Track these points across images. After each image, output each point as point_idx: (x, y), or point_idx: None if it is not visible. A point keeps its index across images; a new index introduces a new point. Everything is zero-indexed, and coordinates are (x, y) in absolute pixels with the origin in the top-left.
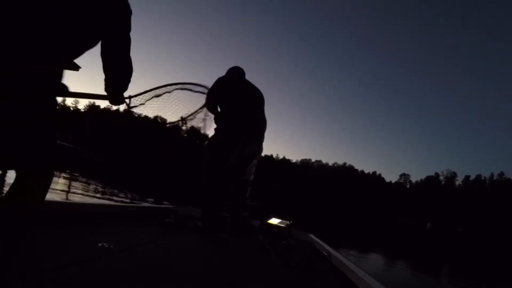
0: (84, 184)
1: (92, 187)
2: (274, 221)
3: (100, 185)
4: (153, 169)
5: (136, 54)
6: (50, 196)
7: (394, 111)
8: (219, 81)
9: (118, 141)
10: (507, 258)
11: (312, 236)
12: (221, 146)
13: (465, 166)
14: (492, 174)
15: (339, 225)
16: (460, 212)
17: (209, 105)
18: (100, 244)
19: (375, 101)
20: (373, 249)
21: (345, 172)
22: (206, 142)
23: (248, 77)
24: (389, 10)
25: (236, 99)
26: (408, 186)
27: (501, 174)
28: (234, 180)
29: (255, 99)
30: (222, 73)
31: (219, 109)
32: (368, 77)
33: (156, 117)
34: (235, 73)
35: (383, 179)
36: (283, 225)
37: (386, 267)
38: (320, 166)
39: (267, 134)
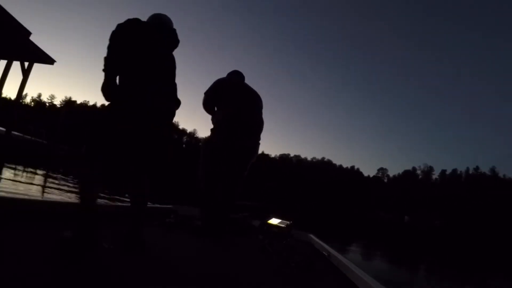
0: (56, 180)
1: (64, 183)
2: (274, 221)
3: (73, 181)
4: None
5: None
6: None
7: (372, 106)
8: (219, 82)
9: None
10: (482, 249)
11: (312, 236)
12: (217, 147)
13: (442, 161)
14: (467, 169)
15: (316, 220)
16: (436, 205)
17: (206, 105)
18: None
19: (353, 96)
20: (353, 241)
21: (323, 166)
22: (200, 144)
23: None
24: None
25: (235, 101)
26: (385, 180)
27: (477, 168)
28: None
29: (253, 101)
30: (216, 74)
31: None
32: (345, 72)
33: None
34: (236, 77)
35: (361, 173)
36: (283, 225)
37: (365, 260)
38: (298, 161)
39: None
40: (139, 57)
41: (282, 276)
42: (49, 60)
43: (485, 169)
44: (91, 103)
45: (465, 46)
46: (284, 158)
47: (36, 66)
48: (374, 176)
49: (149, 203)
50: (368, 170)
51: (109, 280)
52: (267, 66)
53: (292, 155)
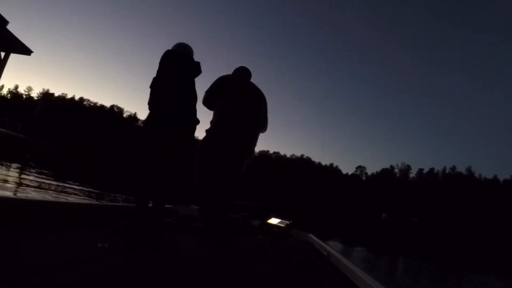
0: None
1: (44, 180)
2: (274, 221)
3: (52, 178)
4: (112, 160)
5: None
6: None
7: (351, 105)
8: (220, 80)
9: (73, 131)
10: (458, 245)
11: (312, 236)
12: (212, 146)
13: (419, 160)
14: (444, 168)
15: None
16: (414, 203)
17: (206, 103)
18: (99, 244)
19: (332, 94)
20: (331, 237)
21: (303, 164)
22: (198, 145)
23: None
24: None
25: (229, 98)
26: (364, 178)
27: (453, 168)
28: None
29: (252, 99)
30: (219, 71)
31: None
32: (325, 70)
33: (112, 106)
34: (239, 74)
35: (339, 171)
36: (283, 225)
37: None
38: (278, 158)
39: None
40: (167, 83)
41: (282, 276)
42: (26, 51)
43: (461, 168)
44: (69, 96)
45: (445, 46)
46: (263, 154)
47: (13, 57)
48: (352, 174)
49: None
50: (347, 168)
51: (109, 280)
52: (244, 60)
53: (271, 151)
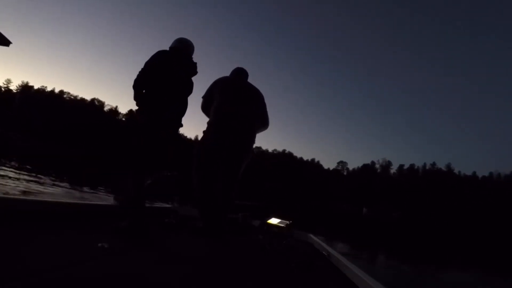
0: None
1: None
2: (274, 221)
3: (32, 174)
4: (92, 156)
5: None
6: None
7: (332, 100)
8: (214, 83)
9: (52, 124)
10: (437, 239)
11: (312, 236)
12: (209, 147)
13: (400, 156)
14: (424, 164)
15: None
16: (394, 198)
17: (204, 109)
18: (100, 244)
19: (314, 89)
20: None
21: (284, 158)
22: (196, 146)
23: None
24: None
25: (224, 98)
26: (345, 173)
27: (433, 164)
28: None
29: (247, 99)
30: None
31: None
32: (306, 65)
33: (93, 100)
34: (235, 74)
35: (321, 166)
36: (283, 225)
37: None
38: (260, 153)
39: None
40: (163, 80)
41: (282, 276)
42: (4, 41)
43: (441, 165)
44: (49, 89)
45: (430, 42)
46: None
47: None
48: (334, 169)
49: (147, 202)
50: (328, 163)
51: (109, 280)
52: (225, 52)
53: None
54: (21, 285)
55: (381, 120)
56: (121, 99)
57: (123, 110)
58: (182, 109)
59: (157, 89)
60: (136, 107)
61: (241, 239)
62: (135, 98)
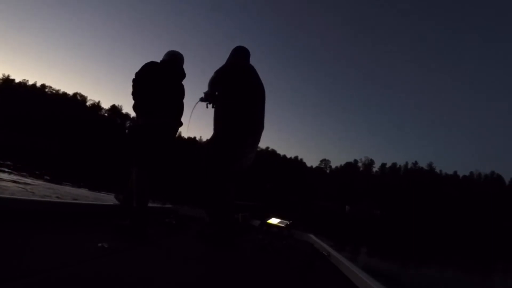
0: None
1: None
2: (274, 221)
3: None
4: (71, 149)
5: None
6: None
7: (316, 98)
8: (235, 68)
9: (33, 118)
10: (418, 236)
11: (312, 236)
12: (231, 148)
13: (382, 155)
14: (406, 163)
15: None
16: (377, 196)
17: (215, 83)
18: (100, 244)
19: (297, 87)
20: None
21: (267, 156)
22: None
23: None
24: None
25: (252, 99)
26: (328, 171)
27: (415, 163)
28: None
29: (261, 96)
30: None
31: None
32: (288, 62)
33: (75, 94)
34: (245, 59)
35: (304, 164)
36: (283, 225)
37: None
38: None
39: None
40: (158, 88)
41: (282, 276)
42: None
43: (423, 164)
44: (30, 83)
45: (411, 42)
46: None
47: None
48: (317, 167)
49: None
50: (311, 161)
51: (109, 280)
52: (209, 50)
53: None
54: (21, 285)
55: (364, 119)
56: (104, 94)
57: (105, 105)
58: (179, 111)
59: (154, 94)
60: (135, 111)
61: (241, 239)
62: (136, 104)
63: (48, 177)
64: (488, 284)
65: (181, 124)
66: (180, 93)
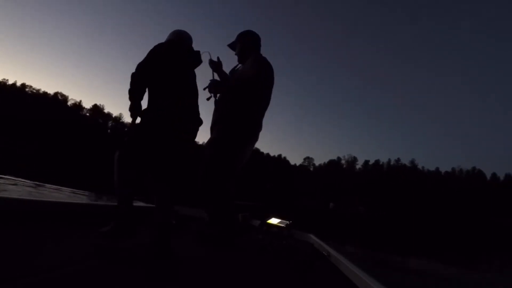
0: None
1: None
2: (274, 221)
3: None
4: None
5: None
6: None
7: (298, 96)
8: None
9: (14, 119)
10: (401, 232)
11: (312, 236)
12: (229, 149)
13: (365, 152)
14: (389, 160)
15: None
16: (360, 193)
17: (217, 86)
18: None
19: (280, 85)
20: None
21: (251, 154)
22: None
23: None
24: None
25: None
26: (311, 169)
27: (398, 160)
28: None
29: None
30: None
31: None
32: (273, 60)
33: (56, 94)
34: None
35: (288, 162)
36: (283, 225)
37: None
38: None
39: None
40: (169, 76)
41: (282, 276)
42: None
43: (405, 161)
44: (10, 82)
45: (396, 39)
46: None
47: None
48: (300, 165)
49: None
50: (295, 159)
51: (108, 280)
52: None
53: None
54: (21, 285)
55: (347, 117)
56: (85, 94)
57: (87, 104)
58: (192, 111)
59: (164, 89)
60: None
61: (241, 239)
62: (135, 95)
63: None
64: (471, 276)
65: (200, 123)
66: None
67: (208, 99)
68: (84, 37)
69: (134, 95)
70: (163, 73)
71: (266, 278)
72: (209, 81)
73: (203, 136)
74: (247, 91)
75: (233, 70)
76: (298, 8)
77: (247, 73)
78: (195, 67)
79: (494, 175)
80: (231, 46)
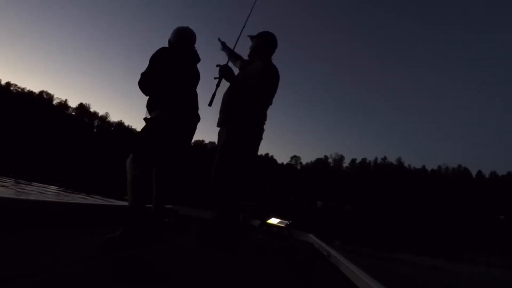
0: None
1: None
2: (274, 221)
3: None
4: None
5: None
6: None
7: (285, 94)
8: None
9: None
10: (388, 229)
11: (312, 236)
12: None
13: (352, 151)
14: (376, 158)
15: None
16: (348, 191)
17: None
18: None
19: None
20: None
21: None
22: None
23: None
24: None
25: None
26: (299, 168)
27: (384, 158)
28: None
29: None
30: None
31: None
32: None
33: (41, 92)
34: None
35: (275, 160)
36: (283, 225)
37: None
38: (214, 147)
39: None
40: (172, 79)
41: (282, 276)
42: None
43: (392, 159)
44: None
45: (381, 37)
46: (198, 144)
47: None
48: (287, 164)
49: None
50: (282, 158)
51: (108, 280)
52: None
53: (207, 141)
54: (21, 285)
55: (334, 115)
56: (71, 92)
57: (73, 103)
58: (195, 109)
59: (171, 88)
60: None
61: (241, 239)
62: (148, 93)
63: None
64: (457, 270)
65: (198, 119)
66: (196, 81)
67: (215, 78)
68: (70, 35)
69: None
70: (166, 77)
71: (266, 278)
72: (220, 66)
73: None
74: (251, 97)
75: (244, 63)
76: (283, 5)
77: (252, 81)
78: (195, 65)
79: (479, 172)
80: (251, 37)
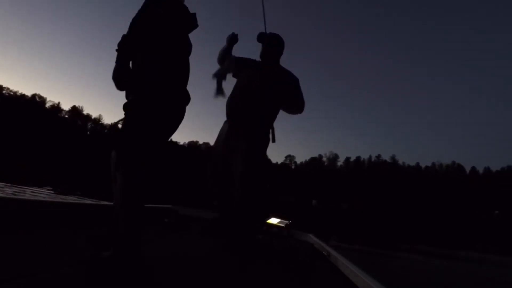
0: None
1: None
2: (274, 221)
3: None
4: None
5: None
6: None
7: None
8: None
9: None
10: (385, 226)
11: (312, 236)
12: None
13: (346, 149)
14: (370, 156)
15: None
16: (343, 190)
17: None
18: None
19: None
20: None
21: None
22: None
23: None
24: None
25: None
26: (293, 167)
27: (378, 156)
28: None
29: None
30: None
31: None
32: (250, 55)
33: (34, 95)
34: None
35: (269, 160)
36: (283, 225)
37: None
38: (208, 149)
39: None
40: (164, 42)
41: (282, 276)
42: None
43: (386, 157)
44: None
45: (372, 35)
46: (192, 145)
47: None
48: (282, 163)
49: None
50: (276, 157)
51: (108, 280)
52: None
53: (201, 142)
54: (21, 285)
55: (327, 114)
56: (64, 95)
57: (65, 106)
58: (185, 88)
59: (158, 61)
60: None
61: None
62: (122, 64)
63: None
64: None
65: (188, 100)
66: (188, 52)
67: (215, 76)
68: (62, 38)
69: (123, 57)
70: (157, 36)
71: (266, 278)
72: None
73: (195, 135)
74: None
75: (251, 63)
76: (280, 4)
77: (254, 86)
78: (190, 32)
79: (473, 168)
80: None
